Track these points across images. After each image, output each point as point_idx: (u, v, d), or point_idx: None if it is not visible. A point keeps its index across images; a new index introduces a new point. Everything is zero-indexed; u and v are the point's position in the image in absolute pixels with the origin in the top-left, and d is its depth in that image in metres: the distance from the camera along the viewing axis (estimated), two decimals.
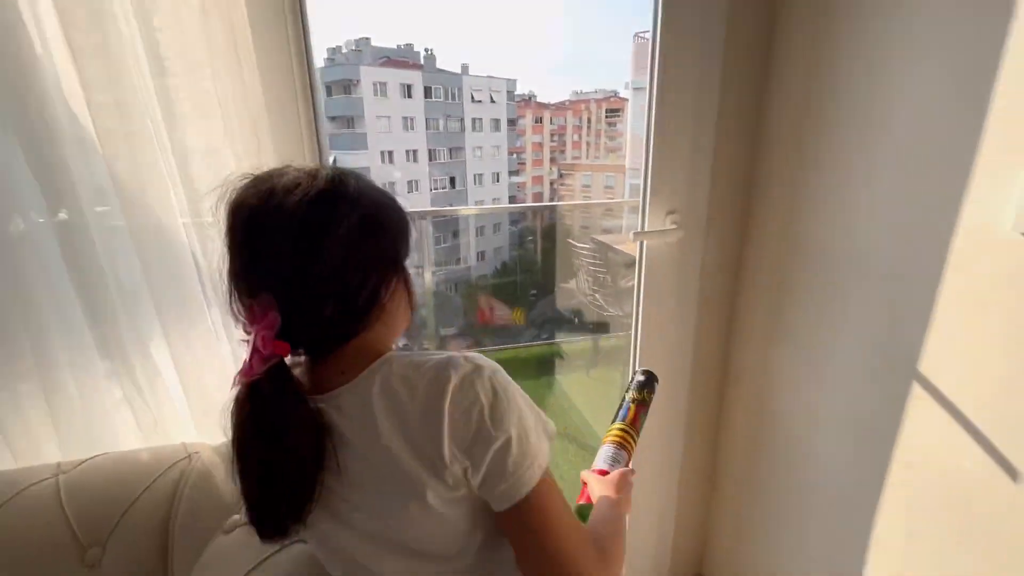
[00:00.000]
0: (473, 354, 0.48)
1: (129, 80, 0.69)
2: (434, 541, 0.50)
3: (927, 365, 0.78)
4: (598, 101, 38.55)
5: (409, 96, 26.06)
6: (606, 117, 37.72)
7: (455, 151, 28.41)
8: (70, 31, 0.66)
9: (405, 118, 25.67)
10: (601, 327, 3.42)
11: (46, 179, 0.70)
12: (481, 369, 0.46)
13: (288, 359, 0.48)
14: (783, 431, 1.09)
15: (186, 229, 0.79)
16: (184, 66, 0.72)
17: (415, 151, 26.10)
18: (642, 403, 0.80)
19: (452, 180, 28.03)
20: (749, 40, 0.99)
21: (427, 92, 26.85)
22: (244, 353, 0.45)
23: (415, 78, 26.38)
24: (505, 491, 0.46)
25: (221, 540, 0.66)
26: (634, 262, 1.18)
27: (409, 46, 28.80)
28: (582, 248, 2.68)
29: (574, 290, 3.72)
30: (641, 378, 0.82)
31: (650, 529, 1.38)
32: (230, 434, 0.48)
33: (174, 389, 0.85)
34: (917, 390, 0.80)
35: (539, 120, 36.99)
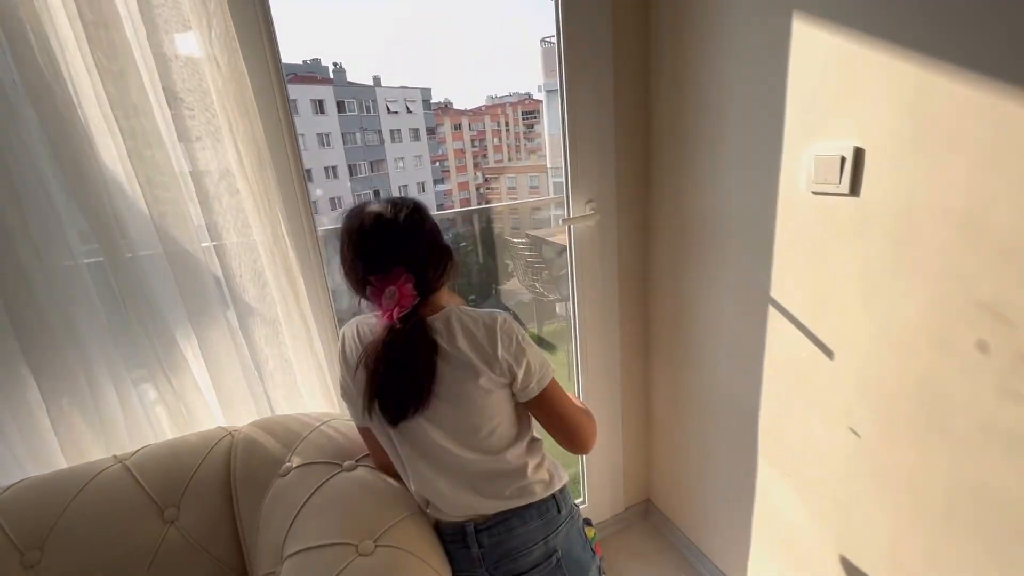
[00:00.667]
0: (507, 315, 0.80)
1: (161, 148, 0.86)
2: (492, 428, 0.78)
3: (775, 290, 1.11)
4: (513, 104, 39.39)
5: (322, 112, 25.36)
6: (523, 119, 38.62)
7: (376, 164, 27.99)
8: (110, 109, 0.83)
9: (320, 135, 24.95)
10: (542, 315, 3.73)
11: (97, 221, 0.85)
12: (512, 321, 0.79)
13: None
14: (692, 365, 1.41)
15: (206, 252, 0.96)
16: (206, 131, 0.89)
17: (334, 167, 25.45)
18: None
19: (376, 193, 27.45)
20: (631, 49, 1.28)
21: (340, 106, 26.26)
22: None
23: (326, 93, 25.72)
24: (533, 387, 0.79)
25: (280, 482, 0.84)
26: (565, 250, 1.46)
27: (316, 61, 28.01)
28: (519, 243, 2.95)
29: (512, 290, 4.00)
30: None
31: (605, 468, 1.66)
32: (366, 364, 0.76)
33: (202, 384, 1.00)
34: (771, 310, 1.12)
35: (458, 127, 37.23)
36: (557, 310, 3.83)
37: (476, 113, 39.40)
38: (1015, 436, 0.76)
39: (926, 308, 0.83)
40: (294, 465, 0.85)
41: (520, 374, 0.77)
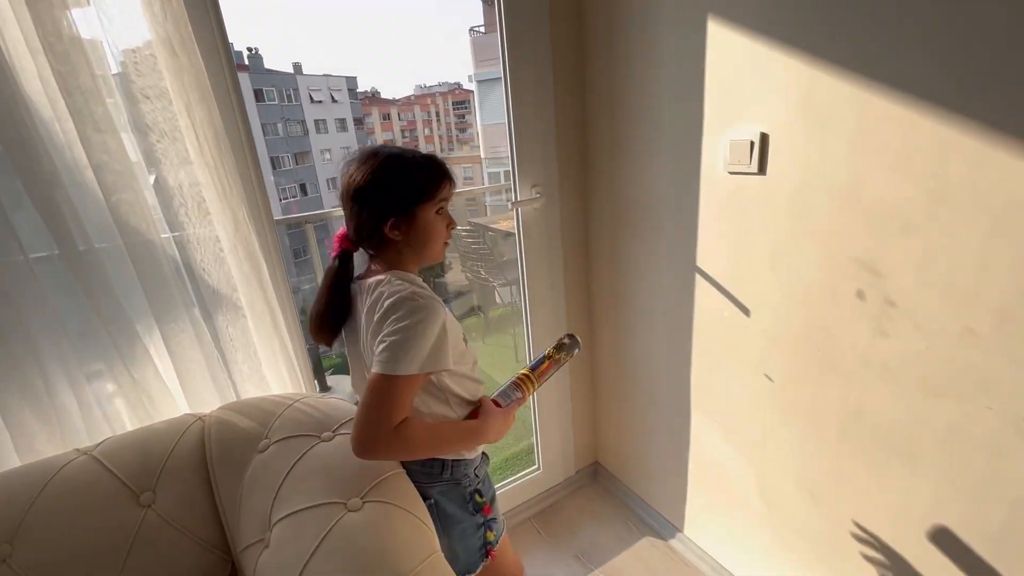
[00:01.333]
0: (428, 298, 0.78)
1: (114, 135, 0.85)
2: None
3: (700, 260, 1.26)
4: (443, 94, 38.85)
5: None
6: (454, 109, 38.21)
7: (301, 156, 26.63)
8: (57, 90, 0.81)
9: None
10: (487, 302, 3.82)
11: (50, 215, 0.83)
12: (412, 304, 0.76)
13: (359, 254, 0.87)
14: (632, 333, 1.55)
15: (166, 243, 0.95)
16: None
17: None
18: (555, 360, 0.96)
19: (303, 187, 26.29)
20: (567, 40, 1.38)
21: (258, 95, 24.71)
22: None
23: (242, 80, 24.02)
24: (372, 364, 0.75)
25: (259, 457, 0.87)
26: (508, 235, 1.55)
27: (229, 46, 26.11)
28: (463, 231, 3.01)
29: (454, 281, 4.05)
30: (565, 340, 0.97)
31: (558, 436, 1.79)
32: None
33: (166, 375, 1.00)
34: (697, 277, 1.28)
35: (387, 117, 36.20)
36: (498, 299, 3.94)
37: (406, 103, 38.49)
38: (885, 366, 0.94)
39: (819, 267, 1.00)
40: (273, 440, 0.88)
41: (375, 345, 0.75)
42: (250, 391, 1.09)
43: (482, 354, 3.41)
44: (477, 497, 0.93)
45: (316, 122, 27.61)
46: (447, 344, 0.78)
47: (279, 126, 25.58)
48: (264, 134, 24.46)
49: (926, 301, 0.86)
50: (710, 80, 1.10)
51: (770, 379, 1.17)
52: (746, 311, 1.18)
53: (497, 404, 0.90)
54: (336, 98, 28.59)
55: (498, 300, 3.85)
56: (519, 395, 0.92)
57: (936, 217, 0.82)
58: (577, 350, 0.98)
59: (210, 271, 0.99)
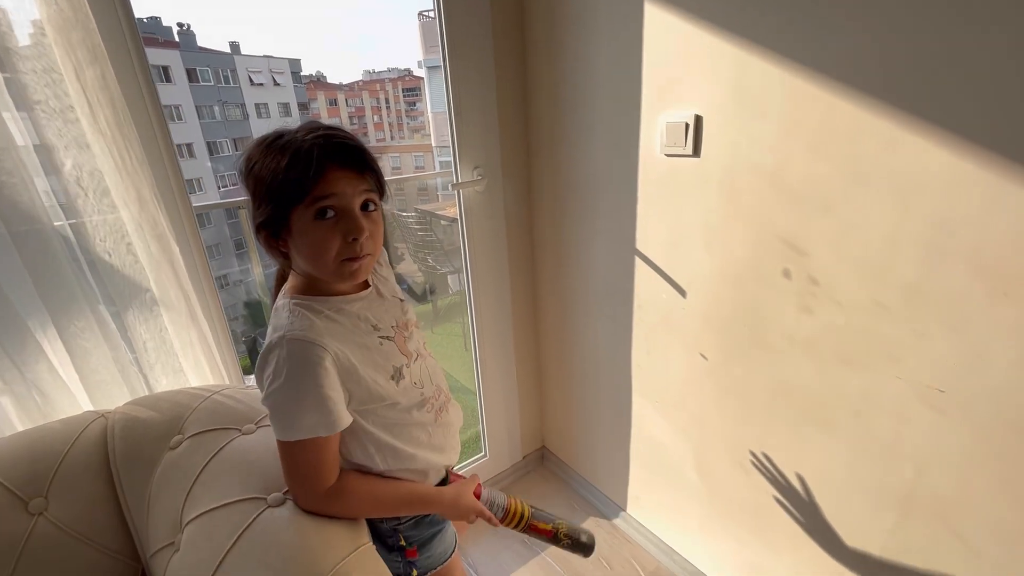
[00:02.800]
0: (301, 347, 0.64)
1: None
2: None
3: (640, 242, 1.27)
4: (393, 80, 37.78)
5: (168, 80, 22.09)
6: (404, 96, 37.27)
7: (240, 141, 25.14)
8: None
9: (168, 107, 21.75)
10: (437, 291, 3.76)
11: None
12: (278, 351, 0.64)
13: None
14: (574, 317, 1.56)
15: (62, 232, 0.85)
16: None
17: (189, 145, 22.41)
18: (556, 539, 0.87)
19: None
20: (508, 22, 1.35)
21: (191, 75, 23.11)
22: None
23: (172, 58, 22.40)
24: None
25: (171, 455, 0.80)
26: (455, 222, 1.51)
27: (156, 20, 24.21)
28: (408, 218, 2.93)
29: (407, 272, 3.96)
30: (583, 539, 0.88)
31: (503, 422, 1.78)
32: None
33: (63, 370, 0.90)
34: (636, 260, 1.29)
35: (334, 103, 34.84)
36: (450, 285, 3.88)
37: (353, 89, 37.16)
38: (808, 342, 0.99)
39: (748, 247, 1.03)
40: (187, 435, 0.81)
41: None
42: (165, 385, 1.00)
43: (431, 343, 3.36)
44: (400, 539, 0.84)
45: (257, 106, 26.18)
46: (332, 401, 0.65)
47: (216, 109, 24.08)
48: (199, 117, 22.97)
49: (844, 277, 0.90)
50: (647, 63, 1.11)
51: (705, 358, 1.20)
52: (683, 292, 1.20)
53: (476, 496, 0.82)
54: (279, 81, 27.20)
55: (453, 287, 3.80)
56: (500, 509, 0.84)
57: (851, 197, 0.86)
58: (581, 556, 0.90)
59: (113, 256, 0.89)
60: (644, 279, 1.29)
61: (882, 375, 0.89)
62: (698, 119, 1.04)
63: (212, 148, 23.58)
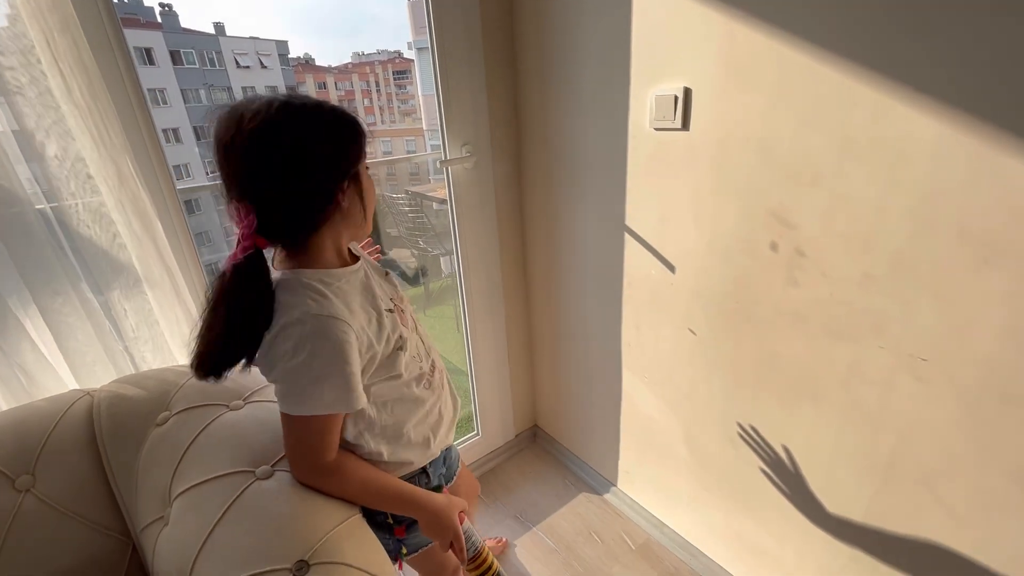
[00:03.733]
0: (322, 320, 0.62)
1: None
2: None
3: (629, 218, 1.27)
4: (383, 63, 37.17)
5: (151, 62, 21.57)
6: (395, 79, 36.70)
7: None
8: None
9: (152, 90, 21.26)
10: (429, 273, 3.74)
11: None
12: (300, 326, 0.62)
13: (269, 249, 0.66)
14: (565, 293, 1.56)
15: (44, 215, 0.84)
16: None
17: (175, 130, 21.97)
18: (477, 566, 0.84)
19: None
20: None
21: (175, 57, 22.58)
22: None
23: (155, 40, 21.85)
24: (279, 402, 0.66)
25: (158, 431, 0.79)
26: (444, 203, 1.49)
27: (136, 0, 23.53)
28: (399, 199, 2.90)
29: (400, 259, 3.94)
30: None
31: (495, 401, 1.79)
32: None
33: (46, 348, 0.89)
34: (626, 236, 1.29)
35: (323, 86, 34.25)
36: (443, 268, 3.87)
37: (342, 71, 36.51)
38: (795, 313, 0.99)
39: (737, 221, 1.03)
40: (174, 412, 0.81)
41: (269, 373, 0.66)
42: (151, 363, 1.00)
43: (424, 323, 3.36)
44: (388, 517, 0.83)
45: (244, 89, 25.67)
46: (356, 378, 0.66)
47: (202, 92, 23.61)
48: (184, 100, 22.49)
49: (831, 249, 0.91)
50: (636, 34, 1.09)
51: (694, 333, 1.21)
52: (671, 268, 1.21)
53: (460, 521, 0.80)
54: (266, 63, 26.68)
55: (444, 272, 3.78)
56: (473, 548, 0.82)
57: (841, 169, 0.85)
58: None
59: (94, 234, 0.88)
60: (634, 256, 1.29)
61: (867, 345, 0.90)
62: (687, 91, 1.03)
63: (199, 133, 23.14)
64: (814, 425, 1.03)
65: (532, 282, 1.70)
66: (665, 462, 1.44)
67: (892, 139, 0.78)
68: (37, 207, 0.84)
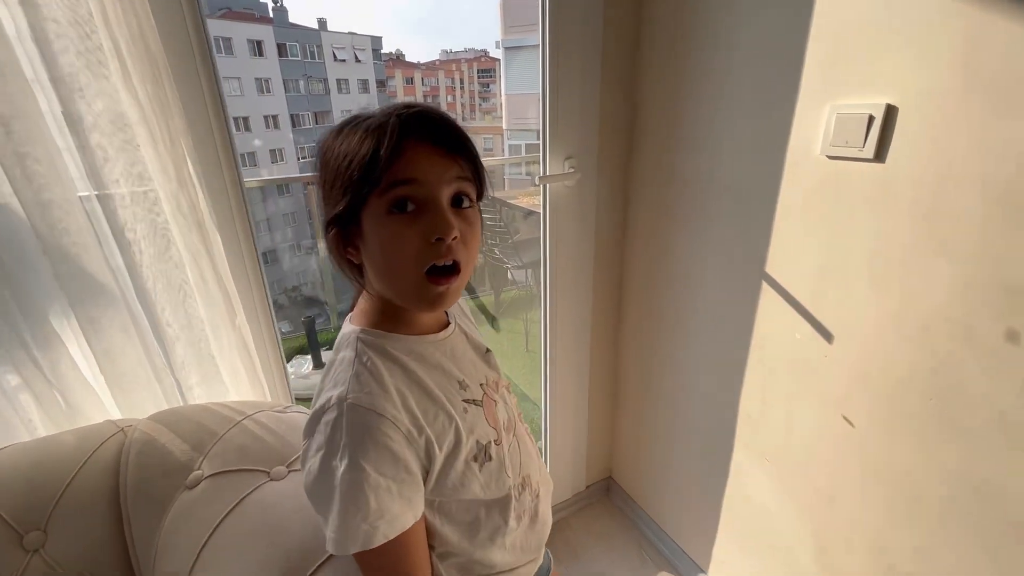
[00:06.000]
0: (355, 403, 0.46)
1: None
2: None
3: (772, 265, 1.00)
4: (469, 61, 37.88)
5: (261, 54, 23.22)
6: (479, 77, 37.29)
7: (321, 115, 26.16)
8: None
9: (259, 80, 22.89)
10: (499, 282, 3.58)
11: None
12: (330, 427, 0.46)
13: None
14: (667, 339, 1.31)
15: (87, 200, 0.72)
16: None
17: (275, 116, 23.56)
18: None
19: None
20: None
21: (281, 50, 24.18)
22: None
23: (265, 33, 23.50)
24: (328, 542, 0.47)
25: (186, 496, 0.66)
26: (528, 215, 1.30)
27: None
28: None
29: None
30: None
31: (570, 445, 1.57)
32: None
33: (86, 371, 0.78)
34: (764, 285, 1.02)
35: (410, 81, 35.42)
36: (514, 277, 3.69)
37: (430, 67, 37.59)
38: None
39: (950, 292, 0.75)
40: (205, 474, 0.67)
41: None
42: (198, 392, 0.87)
43: (490, 340, 3.19)
44: None
45: (338, 81, 27.08)
46: (392, 498, 0.46)
47: (300, 83, 25.15)
48: (285, 90, 24.04)
49: None
50: (818, 25, 0.83)
51: (850, 423, 0.93)
52: (828, 336, 0.93)
53: None
54: (360, 58, 27.95)
55: (515, 278, 3.60)
56: None
57: None
58: None
59: (141, 243, 0.76)
60: (771, 311, 1.02)
61: None
62: (890, 110, 0.76)
63: (295, 120, 24.67)
64: None
65: (626, 319, 1.46)
66: (778, 568, 1.15)
67: None
68: (80, 193, 0.72)
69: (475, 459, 0.53)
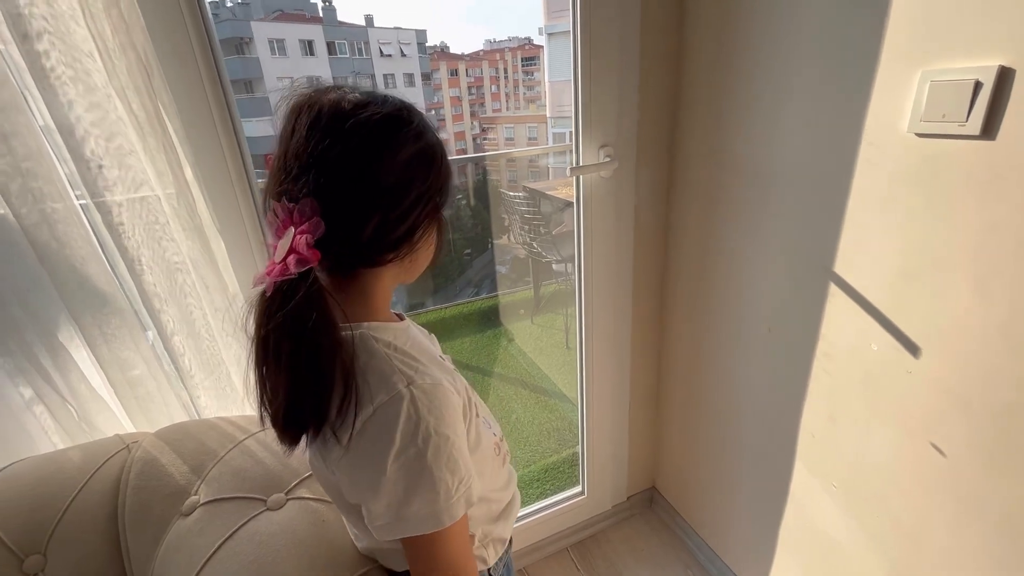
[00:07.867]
0: (423, 383, 0.47)
1: None
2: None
3: (841, 264, 0.86)
4: (512, 49, 37.61)
5: (311, 53, 23.99)
6: (522, 66, 36.98)
7: None
8: None
9: (310, 78, 23.52)
10: (539, 275, 3.48)
11: None
12: (400, 412, 0.45)
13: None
14: (718, 343, 1.18)
15: (86, 211, 0.69)
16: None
17: None
18: None
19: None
20: None
21: (331, 48, 24.86)
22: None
23: (315, 33, 24.24)
24: (379, 528, 0.48)
25: (181, 524, 0.62)
26: (567, 206, 1.19)
27: None
28: (515, 197, 2.66)
29: (508, 244, 3.73)
30: None
31: (610, 452, 1.47)
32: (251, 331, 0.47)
33: (95, 382, 0.77)
34: (832, 287, 0.88)
35: (455, 73, 35.60)
36: (554, 267, 3.58)
37: (474, 58, 37.59)
38: None
39: None
40: (201, 500, 0.62)
41: (368, 501, 0.48)
42: (207, 402, 0.84)
43: (529, 336, 3.10)
44: None
45: (385, 76, 27.60)
46: (464, 454, 0.50)
47: (349, 80, 25.69)
48: None
49: None
50: None
51: (940, 452, 0.78)
52: (913, 349, 0.78)
53: None
54: (405, 52, 28.31)
55: (557, 269, 3.49)
56: None
57: None
58: None
59: (140, 249, 0.72)
60: (841, 318, 0.88)
61: None
62: (1003, 73, 0.61)
63: None
64: None
65: (669, 319, 1.34)
66: None
67: None
68: (78, 201, 0.69)
69: (477, 415, 0.57)
